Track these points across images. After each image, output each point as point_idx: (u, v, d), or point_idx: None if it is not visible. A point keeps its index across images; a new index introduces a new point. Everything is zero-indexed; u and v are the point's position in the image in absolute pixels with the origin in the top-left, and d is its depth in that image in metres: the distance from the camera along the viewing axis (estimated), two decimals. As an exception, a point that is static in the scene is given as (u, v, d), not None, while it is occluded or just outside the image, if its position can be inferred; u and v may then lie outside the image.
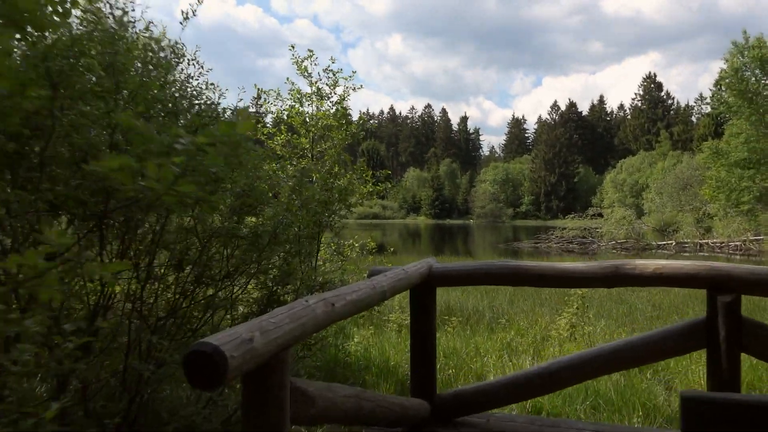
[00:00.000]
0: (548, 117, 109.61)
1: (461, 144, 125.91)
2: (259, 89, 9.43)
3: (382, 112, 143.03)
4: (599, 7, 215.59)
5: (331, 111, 9.66)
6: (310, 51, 9.60)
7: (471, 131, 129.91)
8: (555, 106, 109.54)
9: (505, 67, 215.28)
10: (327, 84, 9.52)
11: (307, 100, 9.68)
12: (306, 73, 9.58)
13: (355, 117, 10.61)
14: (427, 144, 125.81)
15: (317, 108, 9.80)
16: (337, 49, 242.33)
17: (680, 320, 3.80)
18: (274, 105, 9.54)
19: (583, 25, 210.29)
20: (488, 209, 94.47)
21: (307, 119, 9.56)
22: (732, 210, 38.21)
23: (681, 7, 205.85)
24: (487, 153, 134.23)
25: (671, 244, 36.89)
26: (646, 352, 2.89)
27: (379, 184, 9.74)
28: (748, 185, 37.04)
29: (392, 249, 10.65)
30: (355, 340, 6.83)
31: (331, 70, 9.57)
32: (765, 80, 36.45)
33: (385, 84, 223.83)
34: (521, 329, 7.83)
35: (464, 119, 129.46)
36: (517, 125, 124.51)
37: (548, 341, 7.12)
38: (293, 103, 9.57)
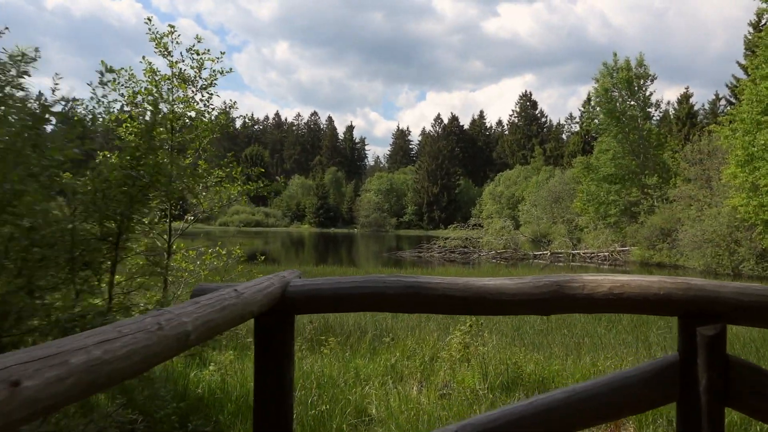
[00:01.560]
0: (432, 129, 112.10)
1: (347, 153, 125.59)
2: (106, 65, 7.92)
3: (267, 118, 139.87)
4: (480, 27, 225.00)
5: (197, 97, 8.37)
6: (171, 26, 8.26)
7: (357, 140, 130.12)
8: (438, 119, 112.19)
9: (391, 80, 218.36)
10: (191, 66, 8.22)
11: (166, 83, 8.30)
12: (165, 52, 8.22)
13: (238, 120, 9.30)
14: (313, 152, 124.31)
15: (182, 93, 8.46)
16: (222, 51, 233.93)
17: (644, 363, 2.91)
18: (125, 87, 8.04)
19: (464, 44, 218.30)
20: (372, 218, 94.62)
21: (165, 106, 8.16)
22: (600, 222, 40.34)
23: (552, 33, 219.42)
24: (372, 163, 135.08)
25: (546, 254, 38.25)
26: (586, 412, 2.00)
27: (250, 183, 8.53)
28: (614, 199, 39.26)
29: (263, 257, 9.43)
30: (211, 368, 5.60)
31: (196, 51, 8.28)
32: (630, 101, 38.87)
33: (271, 91, 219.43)
34: (407, 350, 6.95)
35: (350, 128, 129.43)
36: (401, 136, 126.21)
37: (438, 363, 6.29)
38: (148, 86, 8.14)
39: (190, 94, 8.30)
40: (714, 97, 61.11)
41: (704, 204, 30.25)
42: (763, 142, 20.39)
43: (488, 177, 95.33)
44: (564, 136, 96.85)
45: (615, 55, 38.47)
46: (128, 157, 3.73)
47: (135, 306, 3.34)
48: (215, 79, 8.26)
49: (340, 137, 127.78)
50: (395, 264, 32.45)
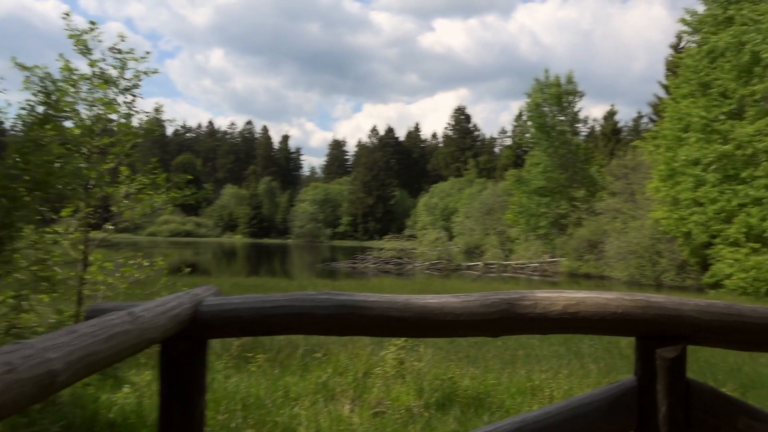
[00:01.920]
0: (368, 141, 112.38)
1: (282, 163, 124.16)
2: (16, 62, 7.35)
3: (200, 126, 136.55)
4: (416, 41, 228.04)
5: (119, 99, 7.84)
6: (93, 23, 7.71)
7: (292, 150, 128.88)
8: (374, 130, 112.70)
9: (328, 91, 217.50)
10: (114, 66, 7.69)
11: (84, 83, 7.73)
12: (85, 50, 7.67)
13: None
14: (247, 161, 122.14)
15: (102, 94, 7.91)
16: (154, 57, 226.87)
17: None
18: (38, 86, 7.43)
19: (400, 57, 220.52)
20: (307, 229, 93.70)
21: (84, 107, 7.60)
22: (531, 234, 41.28)
23: (485, 50, 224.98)
24: (308, 173, 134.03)
25: (479, 265, 38.76)
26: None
27: (176, 190, 8.04)
28: (545, 211, 40.28)
29: (189, 269, 8.92)
30: (125, 389, 5.15)
31: (118, 50, 7.76)
32: (560, 116, 40.08)
33: (205, 98, 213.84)
34: (340, 365, 6.66)
35: (285, 138, 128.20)
36: (337, 147, 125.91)
37: (372, 379, 6.04)
38: (63, 85, 7.55)
39: (112, 96, 7.76)
40: (637, 114, 64.09)
41: (629, 217, 31.42)
42: (684, 157, 21.32)
43: (423, 188, 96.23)
44: (497, 150, 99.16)
45: (546, 71, 39.69)
46: (15, 155, 3.28)
47: (26, 329, 2.90)
48: (139, 80, 7.76)
49: (275, 147, 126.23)
50: (329, 275, 32.05)
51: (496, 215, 51.47)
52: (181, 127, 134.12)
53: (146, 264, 8.21)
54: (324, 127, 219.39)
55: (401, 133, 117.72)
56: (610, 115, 60.23)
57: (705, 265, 22.86)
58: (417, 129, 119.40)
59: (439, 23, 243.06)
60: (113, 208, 8.48)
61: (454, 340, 9.67)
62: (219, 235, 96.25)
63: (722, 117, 20.33)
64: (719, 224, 20.23)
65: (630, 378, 1.82)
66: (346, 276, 31.01)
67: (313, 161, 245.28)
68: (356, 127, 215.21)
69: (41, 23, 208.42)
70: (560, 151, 40.09)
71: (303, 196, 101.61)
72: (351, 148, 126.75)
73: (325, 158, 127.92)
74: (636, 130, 56.75)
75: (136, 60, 7.70)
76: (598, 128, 62.45)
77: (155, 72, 7.95)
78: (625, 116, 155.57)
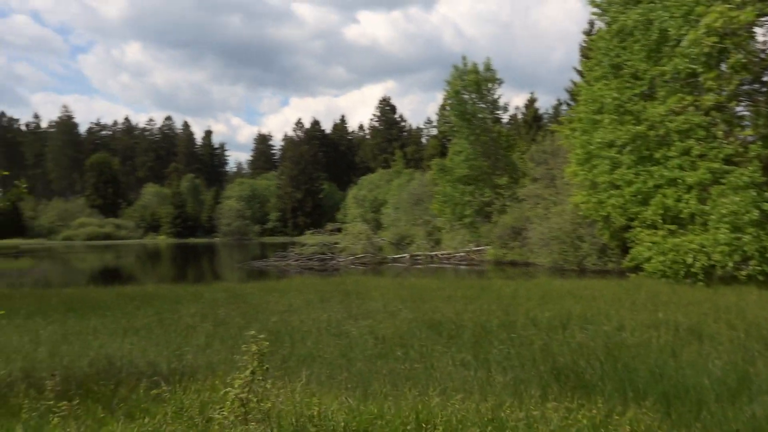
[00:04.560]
0: (293, 134, 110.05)
1: (206, 159, 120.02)
2: None
3: (115, 123, 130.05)
4: (340, 34, 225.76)
5: None
6: None
7: (216, 146, 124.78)
8: (299, 123, 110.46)
9: (253, 85, 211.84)
10: None
11: None
12: None
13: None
14: (168, 158, 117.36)
15: None
16: (65, 52, 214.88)
17: None
18: None
19: (325, 49, 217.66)
20: (234, 226, 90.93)
21: None
22: (457, 223, 40.81)
23: (410, 42, 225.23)
24: (235, 169, 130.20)
25: (406, 257, 37.97)
26: None
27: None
28: (469, 200, 39.85)
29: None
30: None
31: None
32: (480, 104, 39.68)
33: (124, 95, 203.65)
34: (179, 404, 5.35)
35: (209, 133, 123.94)
36: (263, 141, 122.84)
37: (213, 426, 4.75)
38: None
39: None
40: (556, 102, 64.99)
41: (550, 202, 31.24)
42: (599, 140, 20.95)
43: (352, 181, 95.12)
44: (424, 140, 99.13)
45: (464, 58, 39.14)
46: None
47: None
48: None
49: (198, 143, 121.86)
50: (251, 276, 30.40)
51: (424, 206, 50.94)
52: (95, 124, 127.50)
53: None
54: (252, 122, 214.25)
55: (328, 126, 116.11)
56: (531, 102, 60.82)
57: (625, 249, 22.72)
58: (343, 121, 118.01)
59: (363, 15, 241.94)
60: None
61: (348, 353, 8.48)
62: (141, 237, 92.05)
63: (634, 98, 20.04)
64: (636, 207, 19.97)
65: None
66: (265, 276, 29.41)
67: (241, 157, 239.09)
68: (284, 121, 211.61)
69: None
70: (482, 138, 39.73)
71: (229, 193, 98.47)
72: (278, 142, 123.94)
73: (251, 153, 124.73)
74: (556, 117, 57.44)
75: None
76: (520, 116, 63.00)
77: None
78: (545, 104, 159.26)
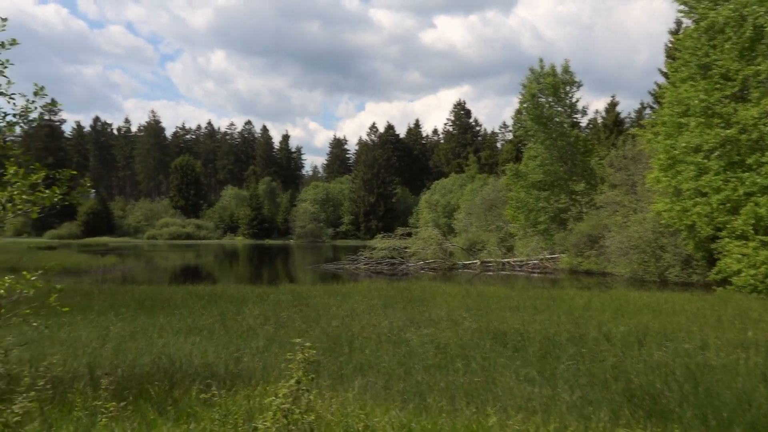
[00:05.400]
0: (368, 139, 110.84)
1: (283, 162, 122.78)
2: None
3: (199, 127, 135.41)
4: (417, 38, 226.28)
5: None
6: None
7: (293, 150, 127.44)
8: (374, 127, 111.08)
9: (331, 90, 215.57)
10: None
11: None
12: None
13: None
14: (247, 162, 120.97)
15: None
16: (155, 60, 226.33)
17: None
18: None
19: (402, 54, 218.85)
20: (308, 229, 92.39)
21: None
22: (530, 230, 39.69)
23: (487, 45, 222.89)
24: (310, 173, 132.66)
25: (476, 263, 37.25)
26: None
27: (39, 191, 6.62)
28: (544, 206, 38.66)
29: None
30: None
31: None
32: (557, 107, 38.45)
33: (208, 100, 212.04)
34: (227, 409, 5.23)
35: (286, 137, 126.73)
36: (338, 145, 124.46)
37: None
38: None
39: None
40: (639, 106, 62.28)
41: (630, 210, 29.81)
42: (684, 144, 19.73)
43: (425, 185, 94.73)
44: (498, 145, 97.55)
45: (541, 60, 38.01)
46: None
47: None
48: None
49: (275, 147, 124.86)
50: (321, 278, 30.67)
51: (497, 211, 49.93)
52: (180, 128, 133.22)
53: (32, 278, 6.78)
54: (328, 127, 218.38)
55: (403, 131, 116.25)
56: (612, 106, 58.51)
57: (711, 260, 21.31)
58: (417, 125, 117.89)
59: (440, 20, 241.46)
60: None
61: (406, 362, 8.19)
62: (220, 237, 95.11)
63: (724, 100, 18.72)
64: (725, 215, 18.66)
65: None
66: (336, 280, 29.55)
67: (316, 161, 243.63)
68: (360, 125, 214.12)
69: (42, 28, 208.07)
70: (558, 142, 38.46)
71: (304, 196, 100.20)
72: (353, 146, 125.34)
73: (326, 157, 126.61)
74: (639, 121, 55.07)
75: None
76: (600, 120, 60.77)
77: (14, 42, 6.48)
78: (628, 108, 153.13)
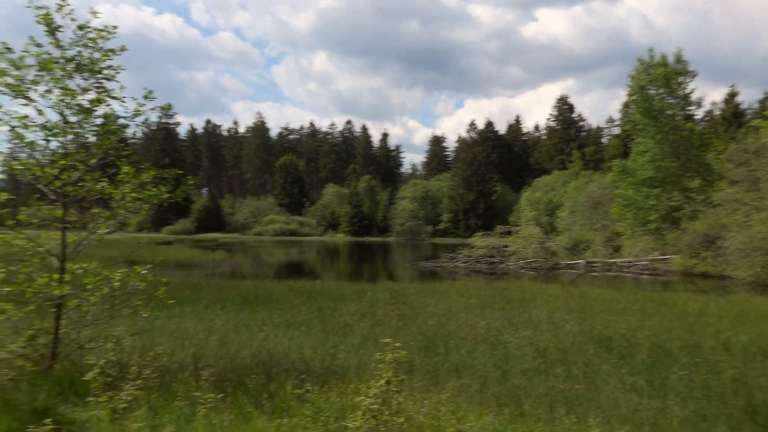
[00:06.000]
0: (467, 136, 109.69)
1: (382, 160, 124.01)
2: None
3: (302, 127, 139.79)
4: (517, 33, 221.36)
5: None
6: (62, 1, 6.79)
7: (392, 148, 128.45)
8: (473, 124, 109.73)
9: (429, 88, 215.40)
10: (78, 44, 6.73)
11: (60, 71, 6.83)
12: (53, 33, 6.75)
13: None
14: (348, 160, 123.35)
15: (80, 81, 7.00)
16: (261, 64, 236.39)
17: None
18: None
19: (501, 50, 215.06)
20: (407, 226, 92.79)
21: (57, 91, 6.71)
22: (639, 229, 37.66)
23: (592, 37, 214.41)
24: (409, 170, 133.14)
25: (581, 263, 35.85)
26: None
27: (148, 189, 6.96)
28: (654, 204, 36.55)
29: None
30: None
31: (87, 28, 6.78)
32: (669, 99, 36.21)
33: (311, 101, 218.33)
34: (321, 405, 5.24)
35: (385, 136, 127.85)
36: (437, 143, 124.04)
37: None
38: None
39: (83, 83, 6.81)
40: (762, 95, 57.46)
41: (752, 208, 27.53)
42: (817, 136, 17.92)
43: (525, 183, 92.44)
44: (604, 140, 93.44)
45: (651, 50, 35.85)
46: None
47: None
48: (107, 59, 6.75)
49: (375, 145, 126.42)
50: (419, 276, 30.68)
51: (603, 209, 47.83)
52: (284, 129, 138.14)
53: (143, 271, 7.18)
54: (427, 124, 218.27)
55: (502, 127, 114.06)
56: (731, 96, 54.37)
57: None
58: (518, 122, 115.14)
59: (542, 13, 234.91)
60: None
61: (504, 365, 7.93)
62: (322, 234, 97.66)
63: None
64: None
65: None
66: (433, 278, 29.43)
67: (416, 158, 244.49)
68: (459, 122, 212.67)
69: (160, 38, 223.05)
70: (670, 137, 36.16)
71: (403, 194, 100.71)
72: (451, 144, 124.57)
73: (425, 155, 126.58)
74: (762, 112, 50.84)
75: (103, 37, 6.69)
76: (717, 112, 56.67)
77: (123, 49, 6.86)
78: (750, 99, 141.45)
